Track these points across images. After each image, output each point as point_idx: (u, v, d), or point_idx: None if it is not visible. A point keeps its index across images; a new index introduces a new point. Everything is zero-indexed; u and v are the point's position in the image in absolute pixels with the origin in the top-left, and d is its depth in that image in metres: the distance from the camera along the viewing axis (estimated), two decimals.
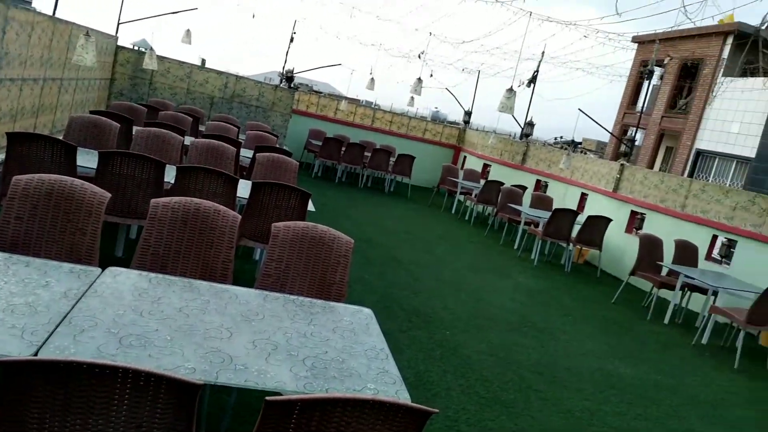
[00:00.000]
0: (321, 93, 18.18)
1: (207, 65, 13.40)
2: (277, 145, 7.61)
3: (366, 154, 11.59)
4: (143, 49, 10.74)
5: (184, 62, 10.24)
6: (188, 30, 11.12)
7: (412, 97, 14.29)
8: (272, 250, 2.81)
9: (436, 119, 21.63)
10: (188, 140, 6.29)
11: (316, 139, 12.38)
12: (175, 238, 2.79)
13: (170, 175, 4.23)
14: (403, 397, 1.85)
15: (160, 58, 9.82)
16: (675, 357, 5.33)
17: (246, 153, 6.74)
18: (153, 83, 10.05)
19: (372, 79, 13.62)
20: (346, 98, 12.77)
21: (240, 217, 2.98)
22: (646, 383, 4.53)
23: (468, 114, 13.64)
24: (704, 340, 5.99)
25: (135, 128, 5.75)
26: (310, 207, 4.39)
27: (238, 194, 4.27)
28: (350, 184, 11.88)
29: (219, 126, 7.59)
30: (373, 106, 17.04)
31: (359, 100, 25.09)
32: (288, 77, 13.25)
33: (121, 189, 4.01)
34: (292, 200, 4.31)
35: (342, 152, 11.29)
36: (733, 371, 5.27)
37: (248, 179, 5.13)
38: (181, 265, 2.79)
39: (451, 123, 18.14)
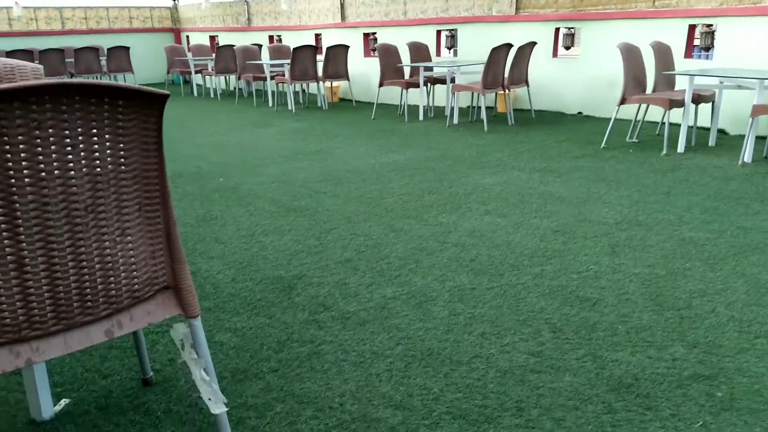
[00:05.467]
0: None
1: None
2: None
3: (68, 60, 9.80)
4: None
5: None
6: None
7: None
8: None
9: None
10: None
11: None
12: None
13: None
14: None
15: None
16: (437, 138, 5.74)
17: None
18: None
19: None
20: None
21: None
22: (417, 161, 4.79)
23: None
24: (455, 121, 6.56)
25: None
26: None
27: None
28: None
29: None
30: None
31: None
32: None
33: None
34: None
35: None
36: (484, 134, 5.88)
37: None
38: None
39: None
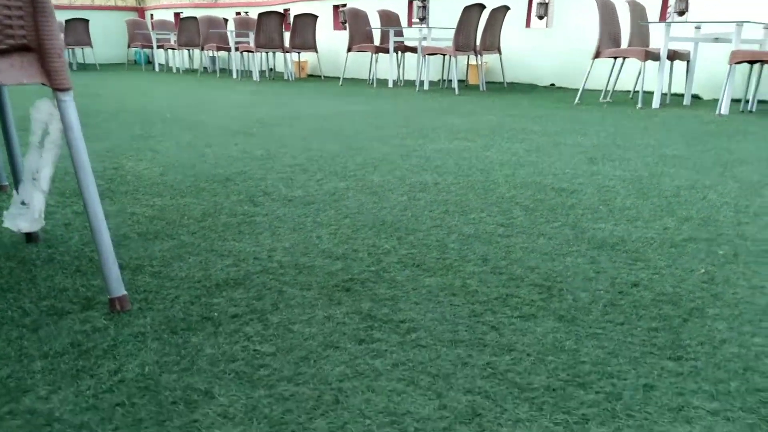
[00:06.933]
0: None
1: None
2: None
3: None
4: None
5: None
6: None
7: None
8: None
9: None
10: None
11: None
12: None
13: None
14: None
15: None
16: (406, 98, 5.49)
17: None
18: None
19: None
20: None
21: None
22: (384, 109, 4.53)
23: None
24: (426, 87, 6.33)
25: None
26: None
27: None
28: None
29: None
30: None
31: None
32: None
33: None
34: None
35: None
36: (455, 96, 5.65)
37: None
38: None
39: None
